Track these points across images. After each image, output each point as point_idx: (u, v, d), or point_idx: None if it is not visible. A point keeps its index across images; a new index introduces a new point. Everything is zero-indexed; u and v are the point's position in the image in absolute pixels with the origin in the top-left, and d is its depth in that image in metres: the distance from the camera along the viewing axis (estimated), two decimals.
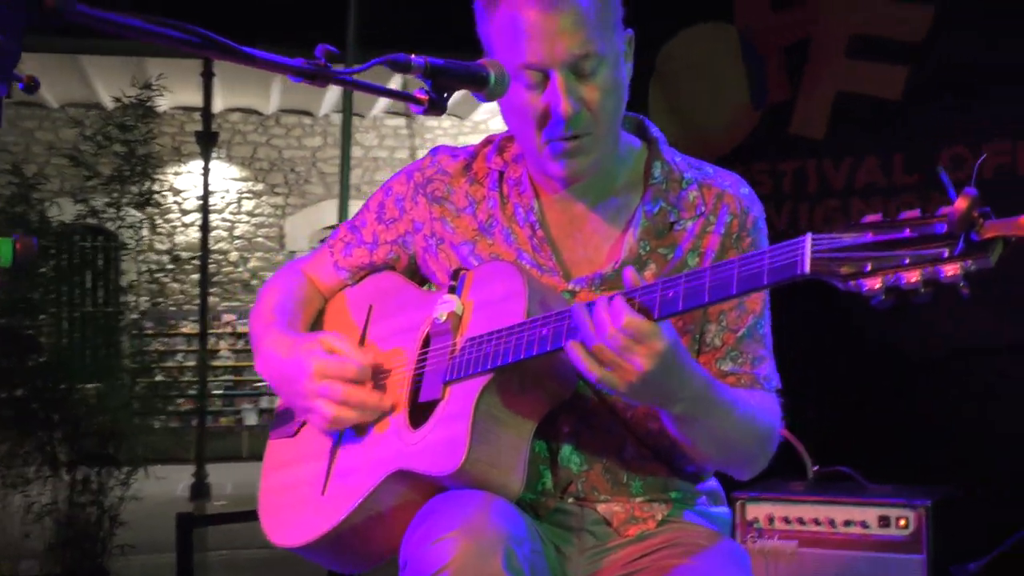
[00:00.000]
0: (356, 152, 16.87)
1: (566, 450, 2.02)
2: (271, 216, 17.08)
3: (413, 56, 1.68)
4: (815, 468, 4.07)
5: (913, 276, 1.44)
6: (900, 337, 5.00)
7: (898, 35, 5.66)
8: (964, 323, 4.78)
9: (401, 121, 17.28)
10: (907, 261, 1.45)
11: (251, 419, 16.13)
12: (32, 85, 1.18)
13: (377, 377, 2.07)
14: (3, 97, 1.16)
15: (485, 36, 2.04)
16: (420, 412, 1.97)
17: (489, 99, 1.84)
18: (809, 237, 1.54)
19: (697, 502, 2.12)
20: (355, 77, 1.61)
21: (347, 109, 7.85)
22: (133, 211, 7.92)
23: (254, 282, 16.88)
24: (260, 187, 17.08)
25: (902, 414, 4.99)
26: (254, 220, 17.01)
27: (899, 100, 5.66)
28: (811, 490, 3.67)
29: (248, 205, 17.06)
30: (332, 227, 17.57)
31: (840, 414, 4.92)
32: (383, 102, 16.14)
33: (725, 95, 6.22)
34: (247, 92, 15.78)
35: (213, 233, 14.14)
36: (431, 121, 17.16)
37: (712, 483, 2.18)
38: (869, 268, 1.48)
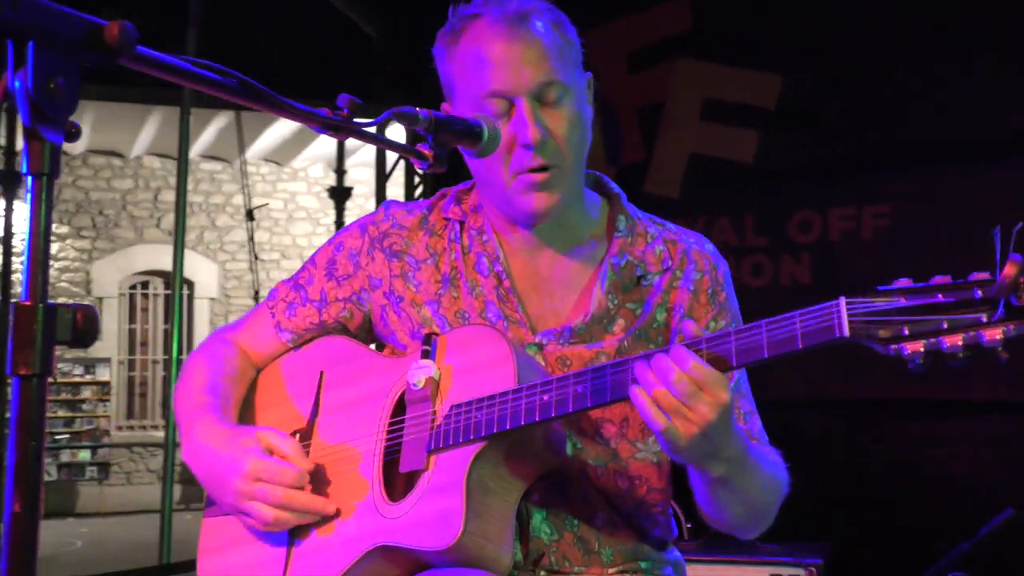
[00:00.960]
0: (168, 196, 16.31)
1: (536, 519, 1.95)
2: (76, 260, 16.26)
3: (420, 109, 1.62)
4: (687, 525, 4.10)
5: (955, 340, 1.47)
6: (780, 389, 5.15)
7: (749, 101, 5.88)
8: (842, 376, 4.96)
9: (217, 165, 16.81)
10: (945, 326, 1.47)
11: (51, 473, 15.24)
12: (73, 131, 1.04)
13: (339, 452, 1.95)
14: (61, 145, 1.02)
15: (447, 76, 2.02)
16: (396, 483, 1.86)
17: (481, 155, 1.79)
18: (843, 301, 1.54)
19: (664, 572, 2.07)
20: (368, 129, 1.52)
21: (184, 152, 7.55)
22: None
23: None
24: (65, 230, 16.26)
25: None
26: (58, 264, 16.15)
27: (750, 164, 5.88)
28: (703, 549, 3.69)
29: (51, 248, 16.18)
30: (144, 272, 16.92)
31: None
32: (198, 146, 15.68)
33: None
34: None
35: (12, 277, 13.35)
36: (248, 166, 16.74)
37: (676, 553, 2.15)
38: (907, 332, 1.49)
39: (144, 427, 16.21)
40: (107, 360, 15.86)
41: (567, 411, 1.72)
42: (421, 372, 1.88)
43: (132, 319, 16.57)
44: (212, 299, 16.49)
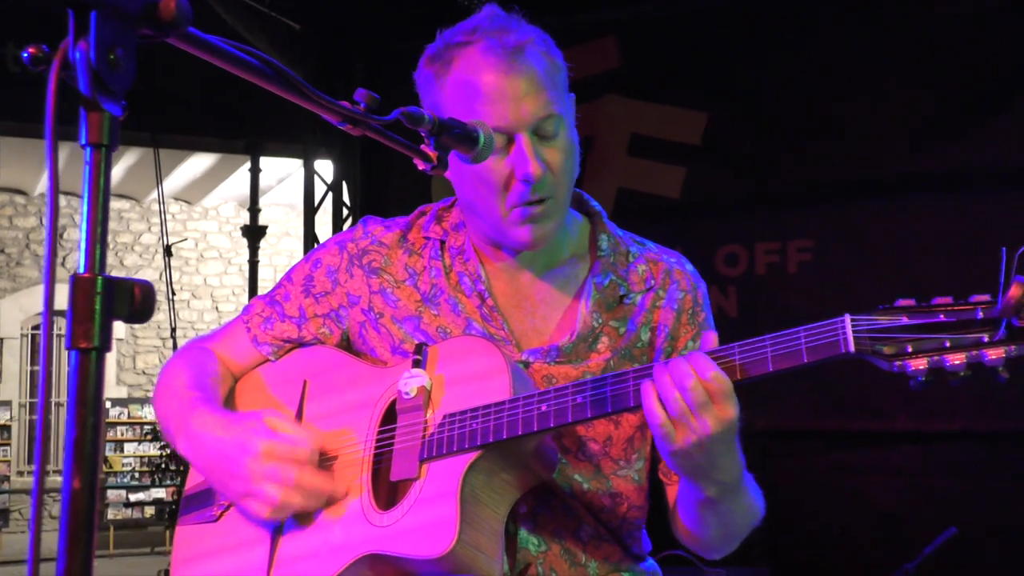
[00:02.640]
0: (75, 234, 15.89)
1: (524, 531, 1.94)
2: None
3: (425, 111, 1.62)
4: None
5: (957, 359, 1.50)
6: None
7: (676, 137, 5.99)
8: (787, 405, 5.04)
9: (125, 203, 16.50)
10: (948, 344, 1.51)
11: None
12: (123, 107, 1.03)
13: (324, 458, 1.92)
14: (120, 118, 1.01)
15: (434, 102, 1.97)
16: (386, 492, 1.84)
17: (475, 161, 1.77)
18: (848, 317, 1.57)
19: None
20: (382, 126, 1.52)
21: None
22: None
23: None
24: None
25: None
26: None
27: (677, 198, 5.97)
28: None
29: None
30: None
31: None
32: None
33: None
34: None
35: None
36: (157, 204, 16.46)
37: (652, 564, 2.16)
38: (911, 349, 1.53)
39: (47, 472, 15.70)
40: (7, 403, 15.35)
41: (566, 421, 1.72)
42: (413, 381, 1.86)
43: (35, 360, 16.09)
44: (119, 339, 16.11)
